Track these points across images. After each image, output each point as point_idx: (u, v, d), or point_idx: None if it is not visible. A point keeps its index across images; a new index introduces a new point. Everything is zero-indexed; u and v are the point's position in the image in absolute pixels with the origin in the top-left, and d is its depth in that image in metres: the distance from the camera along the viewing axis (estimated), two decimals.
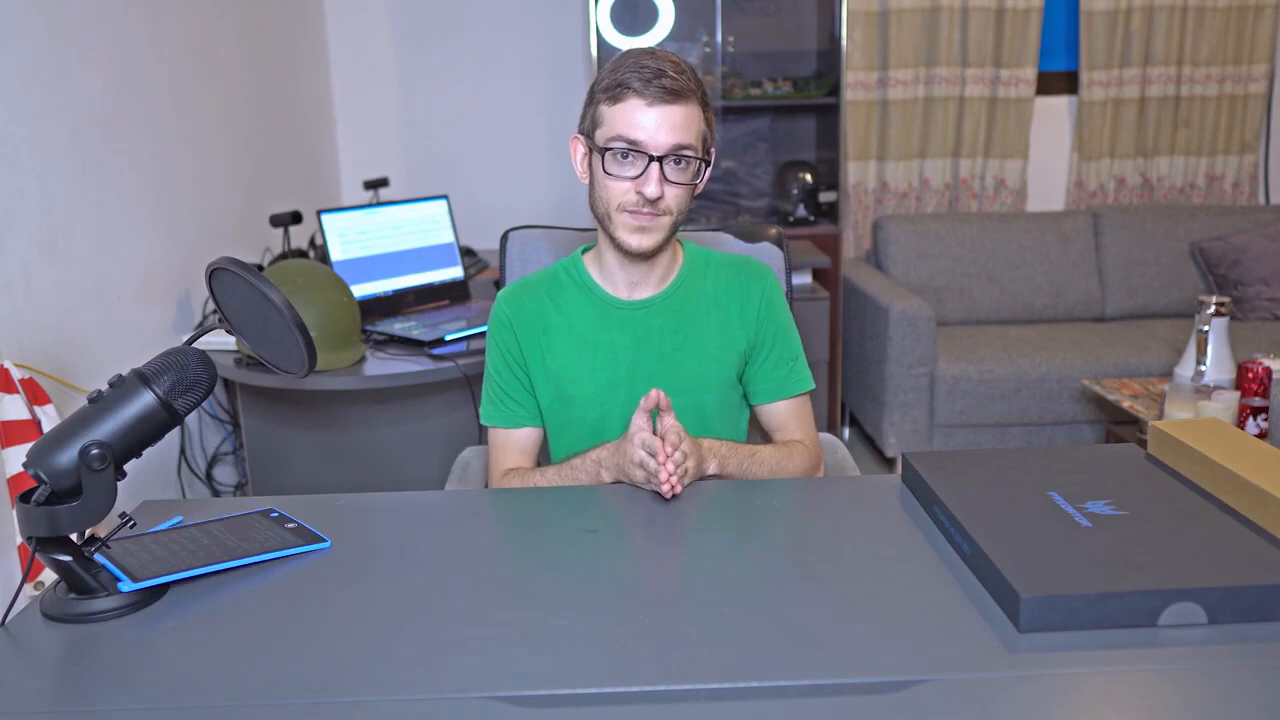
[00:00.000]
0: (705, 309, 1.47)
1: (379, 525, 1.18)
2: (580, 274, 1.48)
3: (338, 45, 3.69)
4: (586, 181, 1.41)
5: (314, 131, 3.51)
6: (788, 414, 1.52)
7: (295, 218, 2.69)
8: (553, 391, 1.46)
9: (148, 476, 2.23)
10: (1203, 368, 2.49)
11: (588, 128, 1.38)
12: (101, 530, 1.08)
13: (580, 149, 1.40)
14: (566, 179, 3.81)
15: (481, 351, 2.14)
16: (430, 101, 3.77)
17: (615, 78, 1.33)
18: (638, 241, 1.37)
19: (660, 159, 1.32)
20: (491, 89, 3.77)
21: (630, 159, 1.33)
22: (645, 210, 1.34)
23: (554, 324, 1.46)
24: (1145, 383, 2.91)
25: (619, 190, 1.35)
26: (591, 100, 1.37)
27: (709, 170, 1.41)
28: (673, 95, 1.31)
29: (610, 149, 1.33)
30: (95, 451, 0.94)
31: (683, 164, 1.35)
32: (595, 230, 1.47)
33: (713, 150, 1.41)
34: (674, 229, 1.40)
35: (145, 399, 0.98)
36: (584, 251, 1.51)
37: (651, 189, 1.32)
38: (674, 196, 1.35)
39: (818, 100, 3.67)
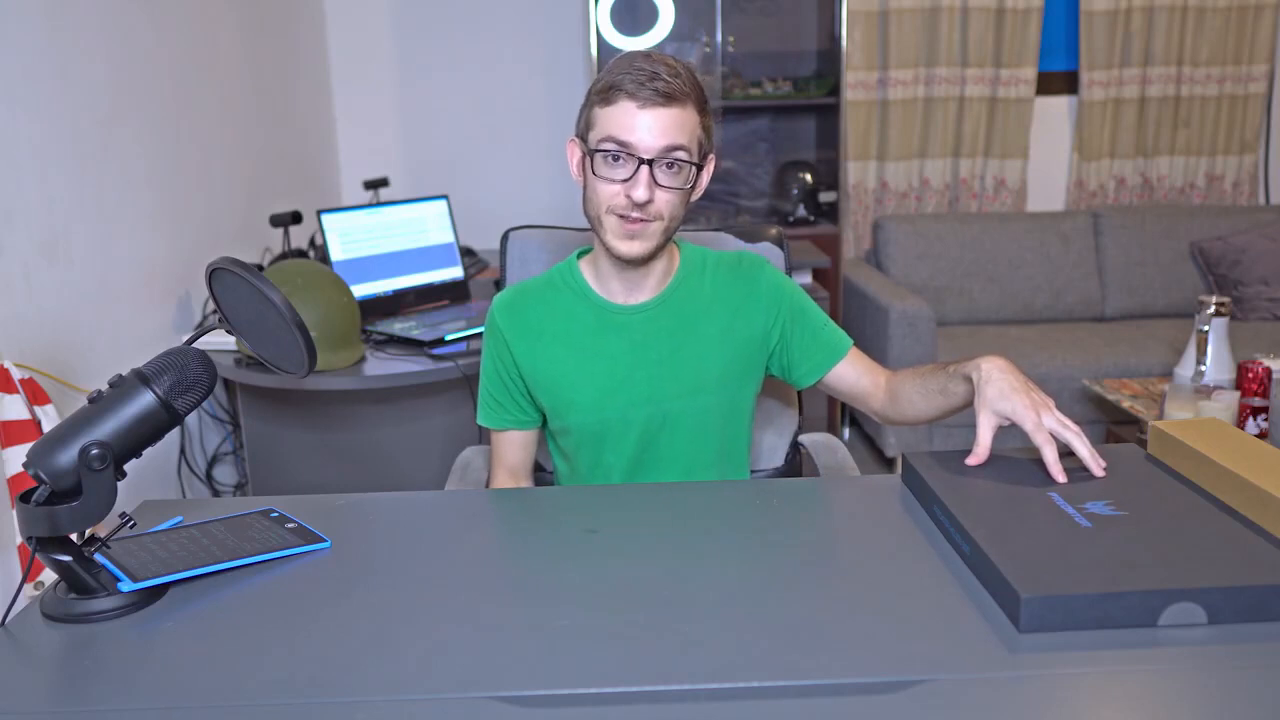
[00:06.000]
0: (704, 309, 1.46)
1: (379, 525, 1.18)
2: (576, 280, 1.47)
3: (338, 45, 3.69)
4: (582, 184, 1.39)
5: (314, 131, 3.51)
6: (858, 366, 1.49)
7: (295, 218, 2.69)
8: (551, 397, 1.46)
9: (148, 476, 2.23)
10: (1203, 368, 2.49)
11: (582, 130, 1.37)
12: (101, 530, 1.08)
13: (577, 152, 1.39)
14: (566, 179, 3.80)
15: (480, 352, 2.14)
16: (430, 102, 3.77)
17: (609, 80, 1.32)
18: (627, 248, 1.35)
19: (650, 162, 1.30)
20: (491, 89, 3.77)
21: (621, 161, 1.31)
22: (634, 215, 1.32)
23: (550, 331, 1.45)
24: (1145, 383, 2.91)
25: (608, 193, 1.33)
26: (587, 103, 1.36)
27: (705, 175, 1.39)
28: (665, 98, 1.29)
29: (600, 150, 1.32)
30: (95, 451, 0.94)
31: (675, 168, 1.32)
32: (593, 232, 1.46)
33: (710, 156, 1.39)
34: (667, 235, 1.37)
35: (145, 399, 0.98)
36: (579, 256, 1.50)
37: (640, 192, 1.30)
38: (665, 202, 1.33)
39: (818, 100, 3.67)
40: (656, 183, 1.32)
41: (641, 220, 1.33)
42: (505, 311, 1.47)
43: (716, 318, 1.46)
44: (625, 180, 1.32)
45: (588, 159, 1.35)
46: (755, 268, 1.50)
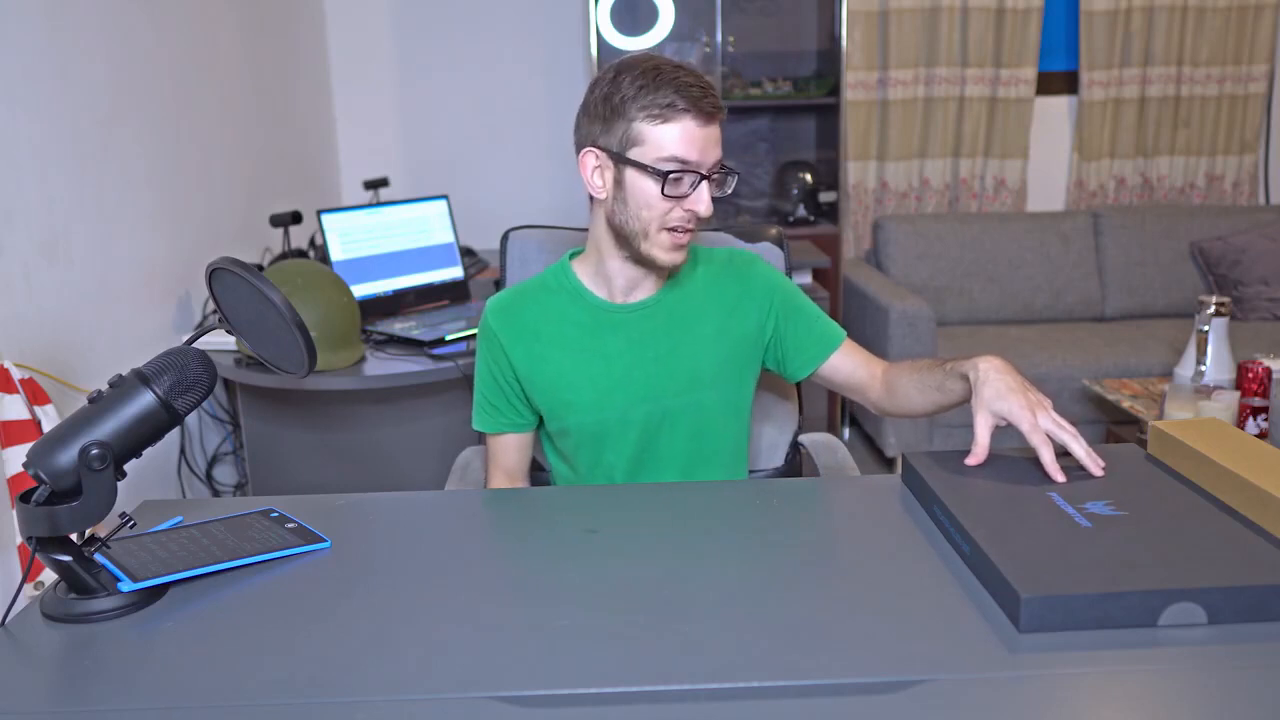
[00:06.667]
0: (699, 306, 1.47)
1: (379, 525, 1.18)
2: (570, 281, 1.46)
3: (338, 45, 3.69)
4: (605, 196, 1.37)
5: (314, 131, 3.51)
6: (853, 358, 1.50)
7: (295, 218, 2.69)
8: (549, 399, 1.46)
9: (148, 476, 2.23)
10: (1203, 368, 2.49)
11: (618, 144, 1.33)
12: (101, 530, 1.08)
13: (592, 163, 1.36)
14: (566, 179, 3.81)
15: None
16: (430, 102, 3.77)
17: (658, 97, 1.29)
18: (672, 258, 1.37)
19: (709, 176, 1.33)
20: (491, 89, 3.77)
21: (683, 179, 1.32)
22: (688, 227, 1.35)
23: (545, 333, 1.45)
24: (1145, 383, 2.91)
25: (665, 208, 1.33)
26: (618, 115, 1.32)
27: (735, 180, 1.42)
28: (716, 111, 1.32)
29: (666, 170, 1.30)
30: (95, 451, 0.94)
31: (724, 179, 1.36)
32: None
33: None
34: None
35: (145, 399, 0.98)
36: (571, 257, 1.50)
37: (704, 208, 1.32)
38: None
39: (818, 100, 3.67)
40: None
41: (690, 231, 1.36)
42: (500, 315, 1.47)
43: (711, 315, 1.47)
44: (682, 196, 1.33)
45: (630, 173, 1.33)
46: (747, 264, 1.51)
